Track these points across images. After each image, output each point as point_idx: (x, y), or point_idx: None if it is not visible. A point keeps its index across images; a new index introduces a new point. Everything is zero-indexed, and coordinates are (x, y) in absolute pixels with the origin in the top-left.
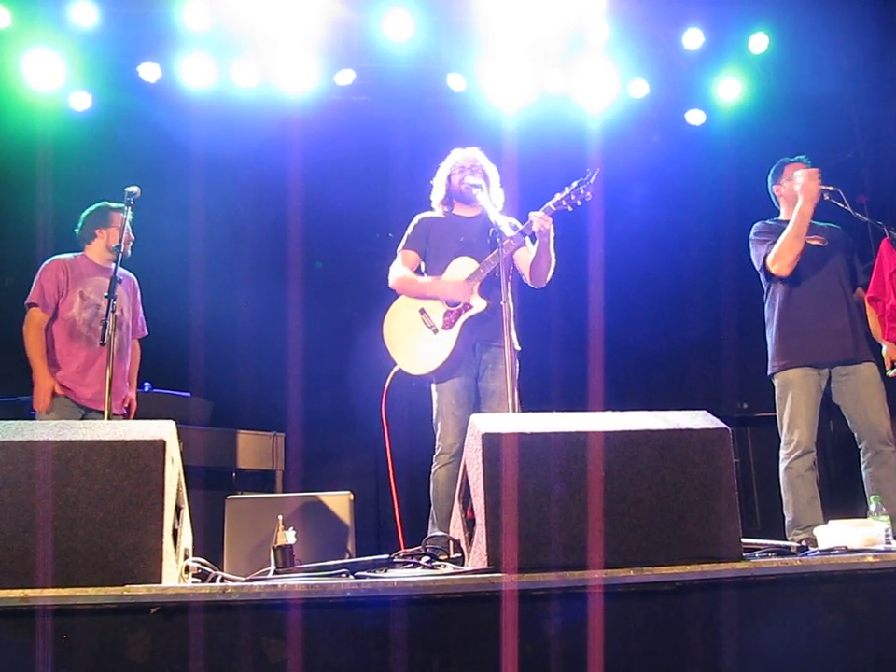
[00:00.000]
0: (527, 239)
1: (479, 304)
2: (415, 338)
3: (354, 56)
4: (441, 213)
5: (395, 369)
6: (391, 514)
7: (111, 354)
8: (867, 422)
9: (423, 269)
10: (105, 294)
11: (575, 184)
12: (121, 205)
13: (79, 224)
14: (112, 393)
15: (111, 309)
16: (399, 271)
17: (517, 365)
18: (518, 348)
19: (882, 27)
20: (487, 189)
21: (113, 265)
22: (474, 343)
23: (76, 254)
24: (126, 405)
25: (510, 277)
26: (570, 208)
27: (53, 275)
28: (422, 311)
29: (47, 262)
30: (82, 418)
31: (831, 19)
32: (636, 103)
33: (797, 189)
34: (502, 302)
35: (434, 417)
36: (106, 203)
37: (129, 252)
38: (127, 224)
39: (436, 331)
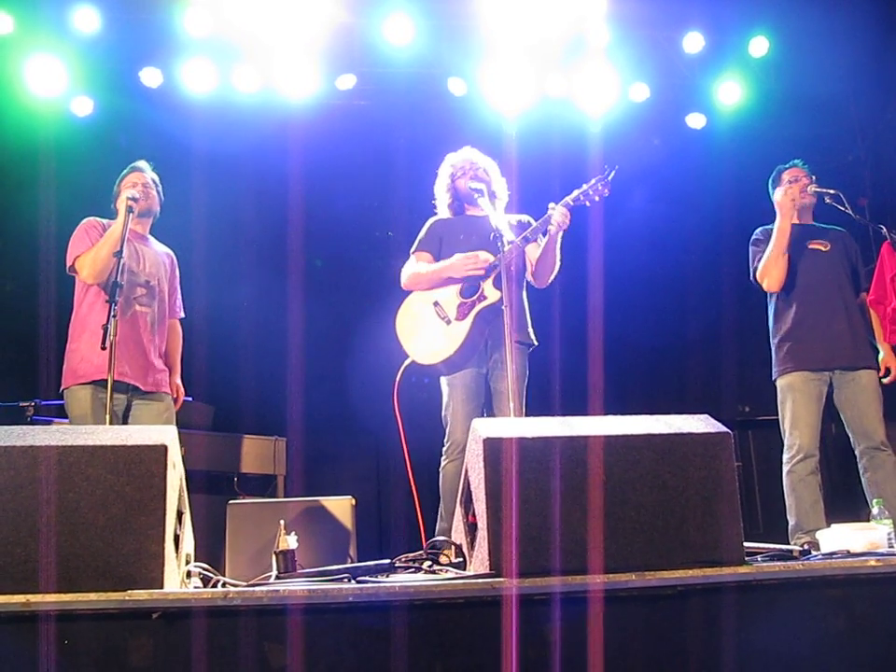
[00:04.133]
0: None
1: (493, 295)
2: (428, 329)
3: (355, 60)
4: (452, 215)
5: (407, 361)
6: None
7: (112, 359)
8: (862, 428)
9: None
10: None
11: (593, 181)
12: (139, 164)
13: (113, 196)
14: (145, 368)
15: (112, 314)
16: (412, 267)
17: (526, 363)
18: (535, 343)
19: (882, 29)
20: (488, 189)
21: (148, 233)
22: (486, 338)
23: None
24: (175, 394)
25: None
26: (588, 203)
27: (84, 232)
28: (435, 303)
29: (82, 221)
30: (128, 403)
31: (831, 21)
32: (636, 106)
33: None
34: (504, 306)
35: (443, 410)
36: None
37: (157, 211)
38: (153, 179)
39: (449, 322)
